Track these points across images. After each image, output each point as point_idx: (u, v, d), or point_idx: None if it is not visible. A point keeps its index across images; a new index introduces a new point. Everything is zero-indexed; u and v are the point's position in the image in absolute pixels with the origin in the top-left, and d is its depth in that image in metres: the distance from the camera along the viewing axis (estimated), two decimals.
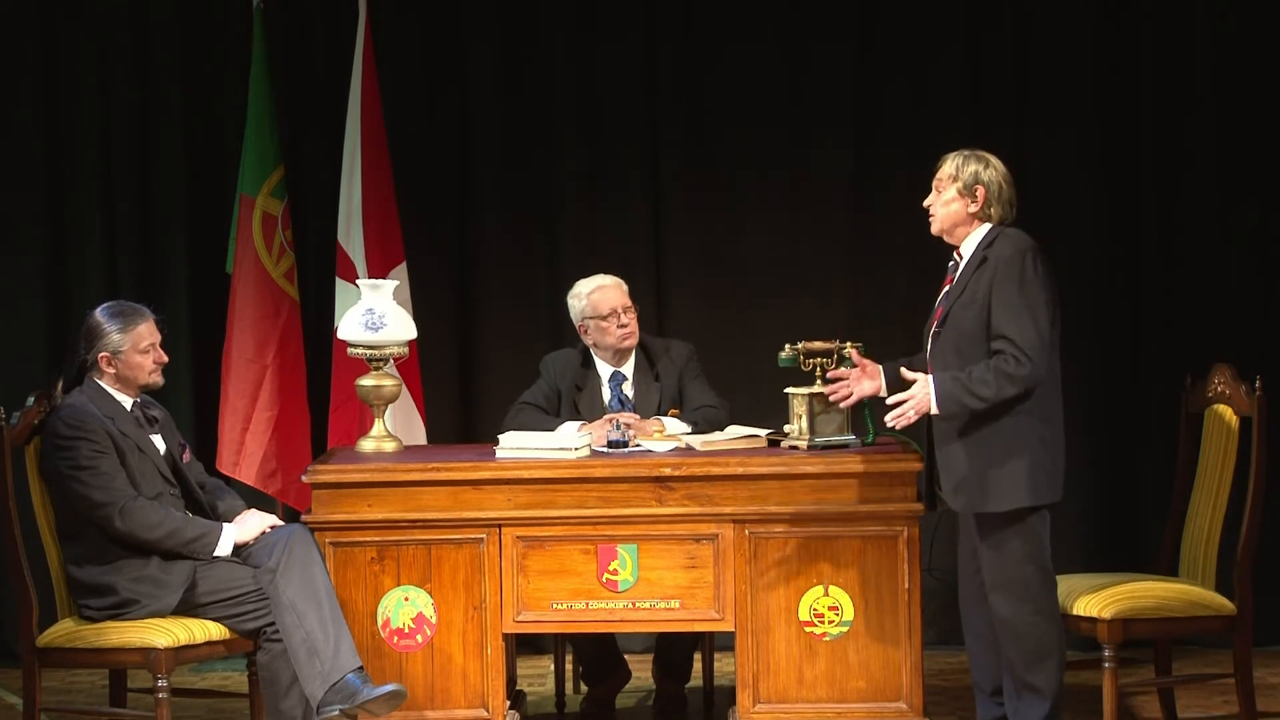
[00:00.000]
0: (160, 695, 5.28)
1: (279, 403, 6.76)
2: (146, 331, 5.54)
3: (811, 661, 5.47)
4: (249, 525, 5.54)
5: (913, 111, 7.08)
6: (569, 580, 5.49)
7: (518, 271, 7.20)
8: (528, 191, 7.20)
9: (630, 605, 5.49)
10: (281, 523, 5.62)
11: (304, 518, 5.55)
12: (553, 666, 6.42)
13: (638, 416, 6.02)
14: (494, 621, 5.50)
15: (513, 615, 5.51)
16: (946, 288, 5.30)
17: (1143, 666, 6.16)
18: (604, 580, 5.49)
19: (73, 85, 7.18)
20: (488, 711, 5.52)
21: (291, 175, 6.95)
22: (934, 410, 5.12)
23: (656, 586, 5.48)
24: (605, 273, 6.28)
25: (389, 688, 5.27)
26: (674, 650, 6.16)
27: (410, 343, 6.02)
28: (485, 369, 7.19)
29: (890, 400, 5.20)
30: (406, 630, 5.52)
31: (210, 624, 5.38)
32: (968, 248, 5.26)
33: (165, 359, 5.60)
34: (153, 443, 5.55)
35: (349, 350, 5.91)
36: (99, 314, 5.55)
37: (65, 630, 5.40)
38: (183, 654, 5.33)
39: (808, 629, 5.47)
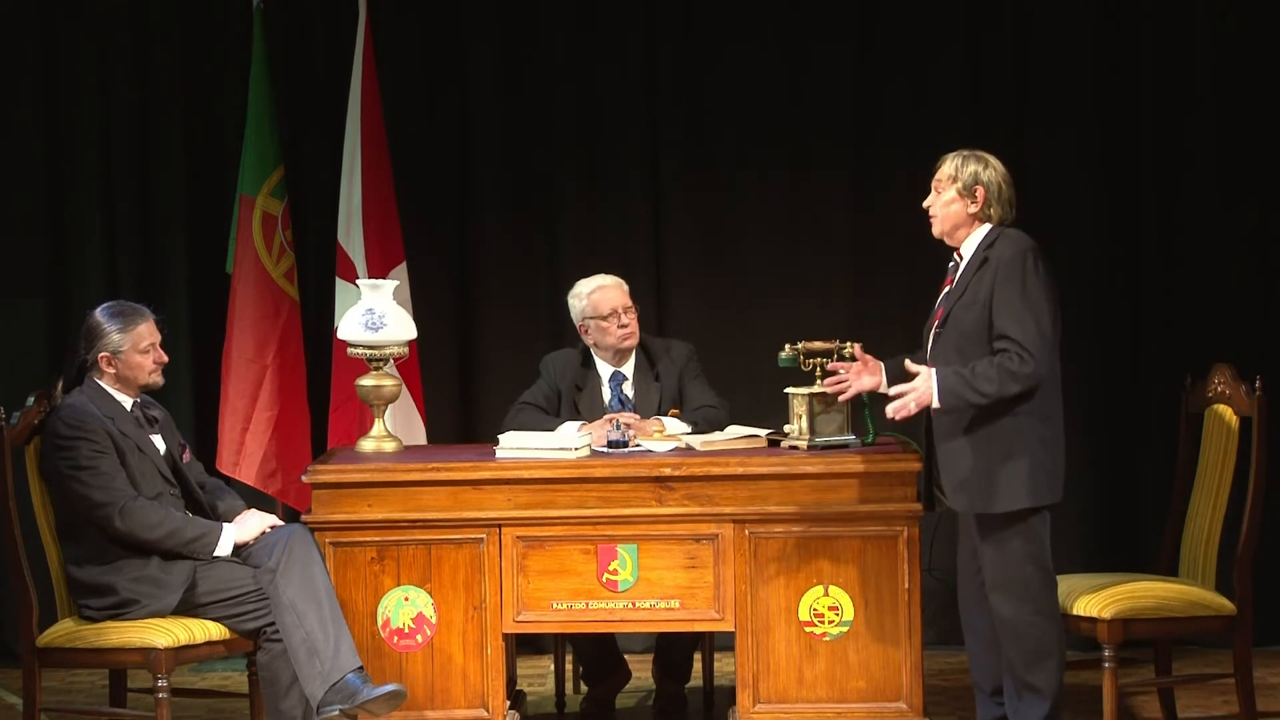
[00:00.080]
0: (160, 695, 5.28)
1: (279, 403, 6.76)
2: (146, 331, 5.54)
3: (811, 661, 5.47)
4: (249, 525, 5.54)
5: (913, 111, 7.08)
6: (569, 580, 5.49)
7: (518, 271, 7.20)
8: (528, 191, 7.20)
9: (630, 605, 5.49)
10: (281, 523, 5.62)
11: (304, 518, 5.55)
12: (553, 666, 6.42)
13: (638, 416, 6.02)
14: (494, 621, 5.50)
15: (513, 615, 5.51)
16: (947, 288, 5.30)
17: (1143, 666, 6.16)
18: (604, 580, 5.49)
19: (73, 85, 7.18)
20: (488, 711, 5.52)
21: (291, 175, 6.95)
22: (935, 404, 5.11)
23: (656, 586, 5.48)
24: (605, 273, 6.28)
25: (389, 688, 5.27)
26: (674, 650, 6.16)
27: (410, 343, 6.02)
28: (485, 369, 7.19)
29: (892, 391, 5.19)
30: (406, 630, 5.52)
31: (210, 624, 5.38)
32: (968, 248, 5.25)
33: (165, 359, 5.60)
34: (153, 443, 5.55)
35: (349, 350, 5.91)
36: (99, 314, 5.55)
37: (65, 630, 5.40)
38: (183, 654, 5.33)
39: (808, 629, 5.47)
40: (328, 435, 6.78)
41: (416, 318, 6.18)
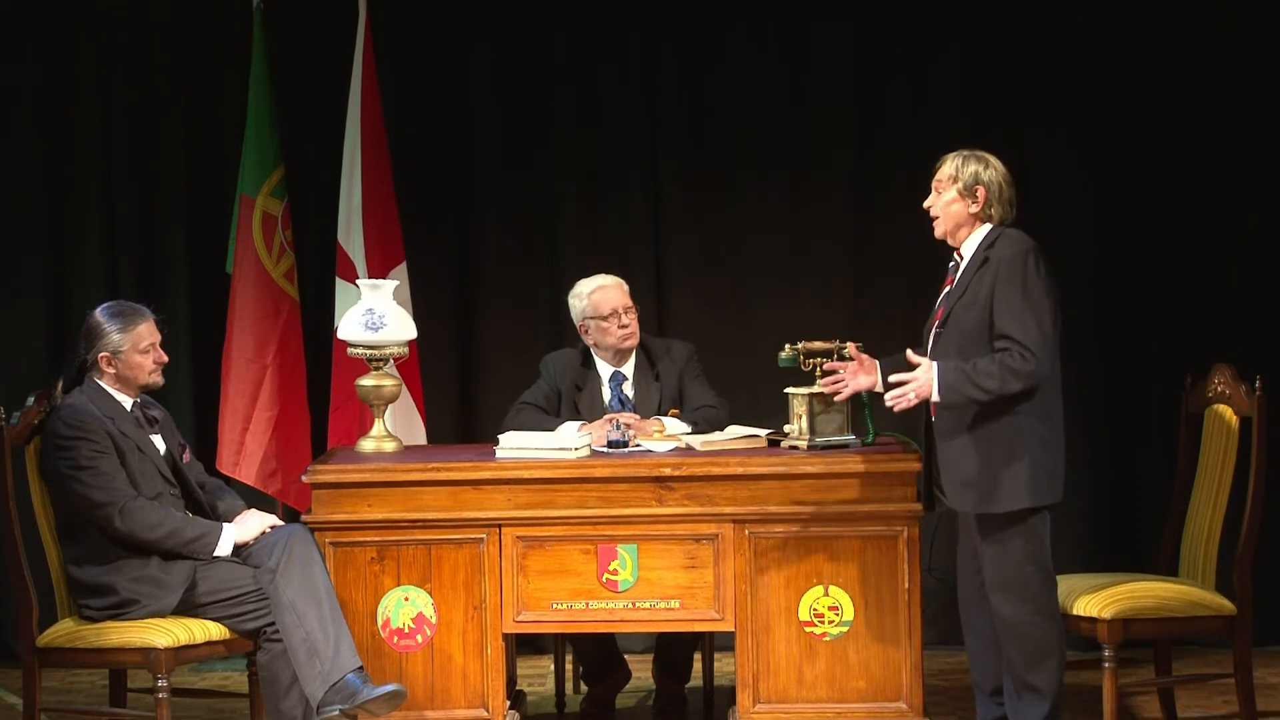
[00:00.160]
0: (160, 695, 5.28)
1: (279, 403, 6.76)
2: (146, 331, 5.54)
3: (811, 661, 5.47)
4: (249, 525, 5.54)
5: (913, 111, 7.08)
6: (569, 580, 5.49)
7: (518, 271, 7.20)
8: (528, 191, 7.20)
9: (630, 605, 5.49)
10: (281, 523, 5.62)
11: (304, 518, 5.55)
12: (553, 666, 6.42)
13: (638, 416, 6.02)
14: (494, 621, 5.50)
15: (513, 615, 5.51)
16: (947, 288, 5.30)
17: (1143, 666, 6.16)
18: (604, 580, 5.49)
19: (73, 85, 7.18)
20: (488, 711, 5.52)
21: (291, 175, 6.95)
22: (935, 397, 5.10)
23: (656, 586, 5.48)
24: (606, 273, 6.28)
25: (389, 688, 5.27)
26: (674, 650, 6.16)
27: (410, 343, 6.02)
28: (485, 369, 7.19)
29: (891, 379, 5.18)
30: (406, 630, 5.52)
31: (210, 624, 5.38)
32: (968, 248, 5.25)
33: (165, 359, 5.60)
34: (153, 443, 5.55)
35: (349, 350, 5.91)
36: (99, 314, 5.55)
37: (65, 630, 5.40)
38: (183, 654, 5.33)
39: (808, 629, 5.47)
40: (328, 435, 6.78)
41: (416, 318, 6.18)
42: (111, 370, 5.51)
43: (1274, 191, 6.99)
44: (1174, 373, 6.05)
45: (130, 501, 5.36)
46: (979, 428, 5.13)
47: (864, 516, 5.45)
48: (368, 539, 5.51)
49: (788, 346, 5.57)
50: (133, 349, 5.51)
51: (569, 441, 5.60)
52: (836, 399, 5.45)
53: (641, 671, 6.38)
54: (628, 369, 6.22)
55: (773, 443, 5.71)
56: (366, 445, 5.85)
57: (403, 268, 6.82)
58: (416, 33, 7.17)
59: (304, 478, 5.59)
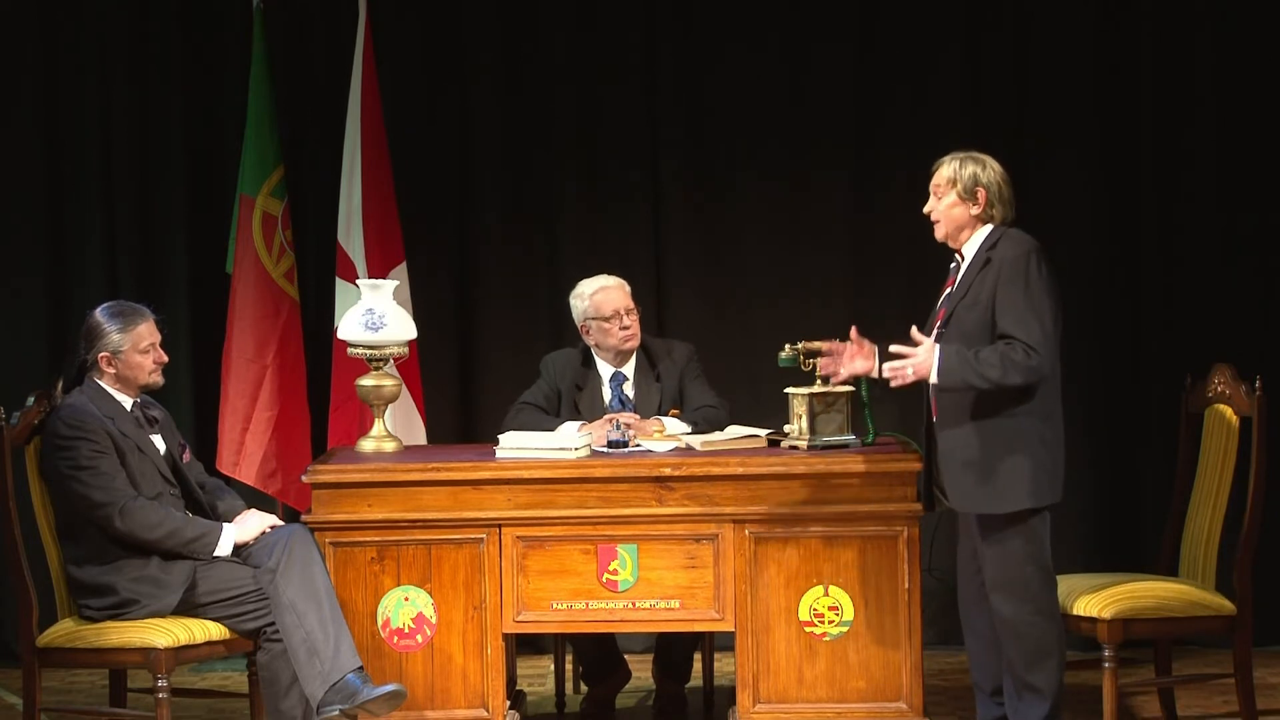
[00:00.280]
0: (160, 695, 5.28)
1: (279, 403, 6.76)
2: (146, 331, 5.54)
3: (811, 661, 5.47)
4: (249, 525, 5.54)
5: (913, 111, 7.08)
6: (569, 580, 5.49)
7: (518, 271, 7.20)
8: (528, 191, 7.20)
9: (630, 605, 5.49)
10: (281, 523, 5.62)
11: (304, 518, 5.55)
12: (553, 666, 6.42)
13: (638, 416, 6.02)
14: (494, 621, 5.50)
15: (513, 615, 5.51)
16: (948, 289, 5.30)
17: (1143, 666, 6.16)
18: (604, 580, 5.49)
19: (73, 85, 7.18)
20: (488, 711, 5.52)
21: (291, 175, 6.95)
22: (933, 379, 5.09)
23: (656, 586, 5.48)
24: (606, 273, 6.28)
25: (389, 688, 5.27)
26: (674, 650, 6.16)
27: (410, 343, 6.02)
28: (485, 369, 7.19)
29: (892, 349, 5.16)
30: (406, 630, 5.52)
31: (210, 624, 5.38)
32: (970, 249, 5.25)
33: (165, 359, 5.59)
34: (153, 443, 5.55)
35: (349, 350, 5.91)
36: (99, 314, 5.55)
37: (65, 630, 5.40)
38: (183, 654, 5.32)
39: (808, 629, 5.47)
40: (328, 435, 6.78)
41: (416, 318, 6.18)
42: (111, 370, 5.51)
43: (1274, 191, 6.99)
44: (1174, 373, 6.05)
45: (130, 501, 5.36)
46: (980, 428, 5.13)
47: (864, 516, 5.45)
48: (368, 539, 5.51)
49: (788, 346, 5.57)
50: (133, 349, 5.51)
51: (569, 441, 5.60)
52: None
53: (641, 671, 6.38)
54: (628, 369, 6.22)
55: (773, 443, 5.71)
56: (366, 445, 5.85)
57: (403, 268, 6.82)
58: (416, 33, 7.17)
59: (304, 478, 5.59)
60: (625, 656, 6.30)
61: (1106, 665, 5.39)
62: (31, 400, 5.52)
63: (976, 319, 5.13)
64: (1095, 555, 6.82)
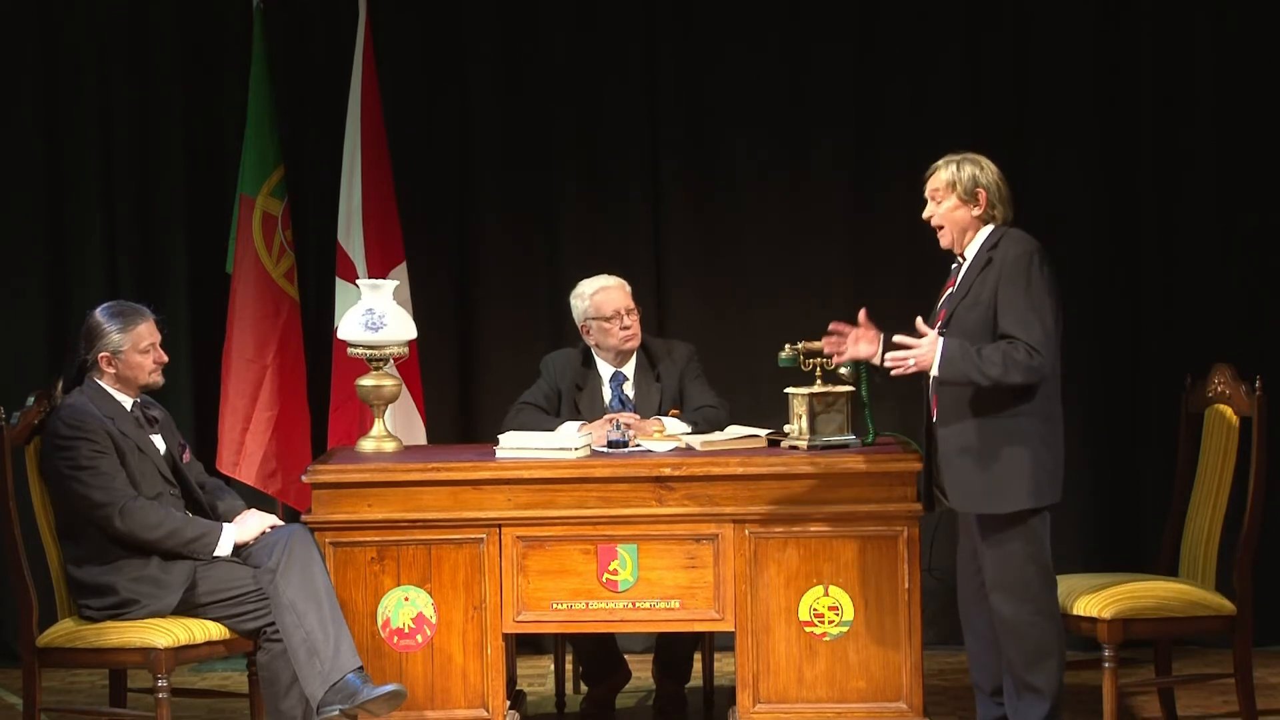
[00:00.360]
0: (160, 695, 5.28)
1: (279, 403, 6.76)
2: (146, 331, 5.54)
3: (811, 661, 5.47)
4: (249, 525, 5.54)
5: (913, 111, 7.08)
6: (569, 580, 5.49)
7: (518, 271, 7.20)
8: (528, 191, 7.20)
9: (630, 605, 5.49)
10: (281, 523, 5.62)
11: (304, 518, 5.55)
12: (553, 666, 6.42)
13: (638, 416, 6.02)
14: (494, 621, 5.50)
15: (513, 615, 5.51)
16: (949, 290, 5.30)
17: (1143, 666, 6.16)
18: (604, 580, 5.49)
19: (73, 85, 7.18)
20: (488, 711, 5.52)
21: (291, 175, 6.95)
22: (934, 372, 5.09)
23: (656, 586, 5.48)
24: (607, 273, 6.27)
25: (389, 688, 5.27)
26: (674, 650, 6.16)
27: (410, 343, 6.02)
28: (485, 369, 7.19)
29: (895, 339, 5.16)
30: (406, 630, 5.52)
31: (210, 624, 5.38)
32: (971, 249, 5.24)
33: (165, 359, 5.59)
34: (153, 443, 5.55)
35: (349, 350, 5.91)
36: (99, 314, 5.55)
37: (65, 630, 5.40)
38: (183, 654, 5.32)
39: (808, 629, 5.47)
40: (328, 435, 6.78)
41: (416, 318, 6.18)
42: (111, 370, 5.51)
43: (1274, 191, 6.99)
44: (1174, 373, 6.04)
45: (130, 501, 5.36)
46: (980, 427, 5.13)
47: (864, 516, 5.45)
48: (368, 539, 5.51)
49: (788, 346, 5.57)
50: (133, 349, 5.51)
51: (569, 441, 5.60)
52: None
53: (641, 671, 6.38)
54: (629, 369, 6.22)
55: (773, 443, 5.71)
56: (366, 445, 5.85)
57: (403, 268, 6.82)
58: (416, 33, 7.17)
59: (304, 478, 5.59)
60: (625, 656, 6.30)
61: (1106, 665, 5.39)
62: (31, 400, 5.52)
63: (977, 319, 5.13)
64: (1095, 555, 6.82)
